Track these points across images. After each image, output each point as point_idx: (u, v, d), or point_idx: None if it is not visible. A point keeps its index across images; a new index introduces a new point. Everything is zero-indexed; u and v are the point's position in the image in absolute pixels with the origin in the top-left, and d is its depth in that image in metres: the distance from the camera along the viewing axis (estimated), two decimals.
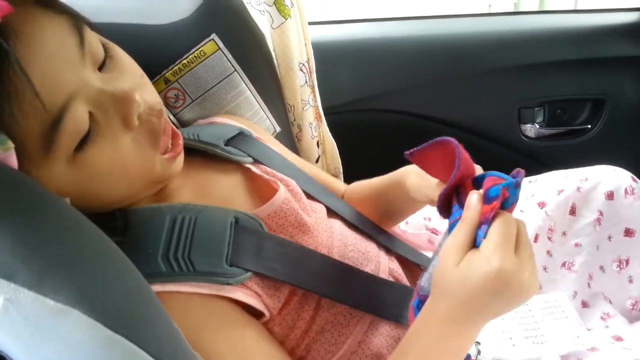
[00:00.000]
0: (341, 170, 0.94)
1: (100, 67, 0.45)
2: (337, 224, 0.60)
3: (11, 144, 0.36)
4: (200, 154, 0.59)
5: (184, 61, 0.70)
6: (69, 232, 0.30)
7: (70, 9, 0.44)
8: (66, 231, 0.30)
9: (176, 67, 0.70)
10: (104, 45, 0.46)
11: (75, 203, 0.42)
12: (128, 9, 0.73)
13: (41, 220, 0.29)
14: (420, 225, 0.72)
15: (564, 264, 0.65)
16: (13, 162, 0.36)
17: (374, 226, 0.66)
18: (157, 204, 0.51)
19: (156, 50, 0.69)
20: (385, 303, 0.53)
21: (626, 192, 0.64)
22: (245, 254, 0.48)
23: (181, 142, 0.51)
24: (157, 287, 0.43)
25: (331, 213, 0.62)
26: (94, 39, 0.45)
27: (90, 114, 0.43)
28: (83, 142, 0.42)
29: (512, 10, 2.14)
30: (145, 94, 0.48)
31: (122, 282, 0.31)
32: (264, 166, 0.60)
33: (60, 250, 0.28)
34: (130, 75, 0.48)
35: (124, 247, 0.42)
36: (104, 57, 0.46)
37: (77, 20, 0.44)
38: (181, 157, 0.52)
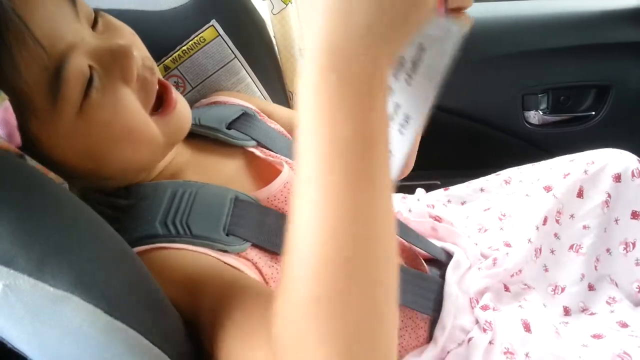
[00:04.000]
0: None
1: (93, 27, 0.46)
2: None
3: (5, 96, 0.36)
4: (203, 138, 0.58)
5: (184, 48, 0.70)
6: (68, 218, 0.30)
7: None
8: (64, 217, 0.30)
9: (176, 54, 0.70)
10: (93, 10, 0.48)
11: (85, 175, 0.43)
12: None
13: (39, 206, 0.29)
14: (424, 213, 0.72)
15: (571, 247, 0.64)
16: (9, 116, 0.35)
17: None
18: (159, 181, 0.51)
19: (155, 37, 0.68)
20: None
21: (633, 174, 0.63)
22: (244, 227, 0.48)
23: (175, 95, 0.50)
24: (151, 246, 0.43)
25: None
26: (84, 1, 0.46)
27: (90, 67, 0.43)
28: (86, 95, 0.42)
29: None
30: (143, 53, 0.49)
31: (121, 269, 0.31)
32: (267, 149, 0.60)
33: (59, 236, 0.28)
34: (123, 33, 0.49)
35: (124, 218, 0.41)
36: (94, 17, 0.46)
37: None
38: (182, 109, 0.51)
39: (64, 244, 0.28)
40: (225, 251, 0.45)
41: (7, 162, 0.30)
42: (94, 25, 0.46)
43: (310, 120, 0.27)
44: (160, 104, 0.50)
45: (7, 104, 0.36)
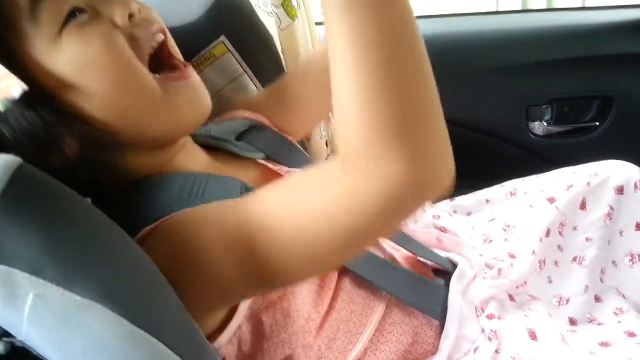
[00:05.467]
0: None
1: None
2: None
3: None
4: (215, 149, 0.60)
5: (194, 63, 0.71)
6: (93, 231, 0.31)
7: None
8: (90, 230, 0.31)
9: None
10: None
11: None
12: None
13: (67, 219, 0.30)
14: (429, 224, 0.72)
15: (575, 259, 0.65)
16: None
17: None
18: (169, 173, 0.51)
19: None
20: (399, 286, 0.54)
21: (636, 186, 0.64)
22: None
23: (191, 71, 0.51)
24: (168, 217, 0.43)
25: None
26: None
27: (77, 9, 0.44)
28: (67, 23, 0.43)
29: (520, 8, 2.13)
30: (144, 11, 0.50)
31: (144, 280, 0.32)
32: (277, 162, 0.61)
33: (85, 248, 0.29)
34: None
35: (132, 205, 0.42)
36: None
37: None
38: (196, 87, 0.51)
39: (90, 255, 0.29)
40: None
41: (37, 176, 0.31)
42: None
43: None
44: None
45: None
